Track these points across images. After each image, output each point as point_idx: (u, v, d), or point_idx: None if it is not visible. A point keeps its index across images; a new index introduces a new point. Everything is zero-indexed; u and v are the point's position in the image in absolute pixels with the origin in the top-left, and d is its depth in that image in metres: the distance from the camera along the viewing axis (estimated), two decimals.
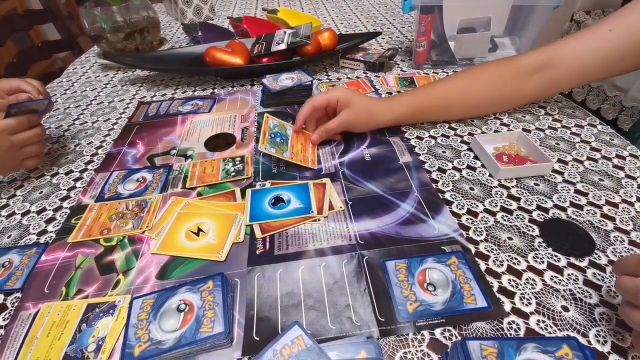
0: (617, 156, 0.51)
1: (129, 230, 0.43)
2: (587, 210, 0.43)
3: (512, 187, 0.47)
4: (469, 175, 0.49)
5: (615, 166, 0.49)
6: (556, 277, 0.36)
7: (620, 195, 0.45)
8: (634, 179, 0.47)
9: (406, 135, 0.58)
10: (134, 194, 0.49)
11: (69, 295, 0.37)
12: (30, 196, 0.51)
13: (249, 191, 0.48)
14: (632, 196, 0.44)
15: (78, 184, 0.52)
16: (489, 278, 0.36)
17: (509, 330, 0.32)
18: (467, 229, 0.41)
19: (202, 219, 0.44)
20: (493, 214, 0.43)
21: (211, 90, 0.76)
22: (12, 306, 0.37)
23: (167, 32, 1.13)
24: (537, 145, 0.50)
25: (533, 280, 0.36)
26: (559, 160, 0.51)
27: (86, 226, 0.44)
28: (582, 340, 0.31)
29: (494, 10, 0.74)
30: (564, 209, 0.43)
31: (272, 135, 0.51)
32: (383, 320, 0.33)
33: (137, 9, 0.85)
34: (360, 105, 0.53)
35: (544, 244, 0.39)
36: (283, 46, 0.74)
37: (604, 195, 0.45)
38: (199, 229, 0.43)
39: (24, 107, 0.50)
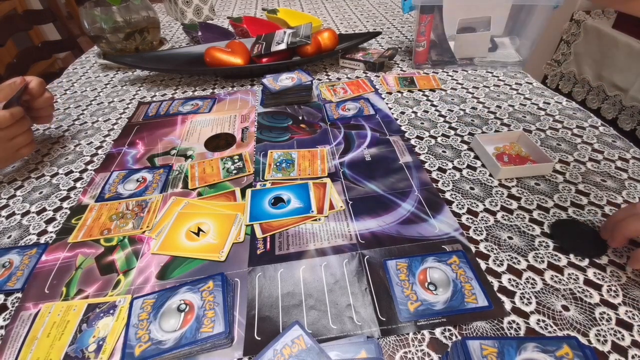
0: (620, 158, 0.51)
1: (129, 231, 0.43)
2: (588, 210, 0.43)
3: (513, 187, 0.47)
4: (469, 175, 0.49)
5: (617, 168, 0.49)
6: (556, 276, 0.36)
7: (622, 197, 0.45)
8: (638, 181, 0.47)
9: (406, 135, 0.58)
10: (134, 194, 0.49)
11: (69, 295, 0.37)
12: (30, 196, 0.51)
13: (249, 191, 0.48)
14: (634, 197, 0.44)
15: (78, 184, 0.52)
16: (489, 277, 0.36)
17: (509, 330, 0.32)
18: (467, 228, 0.41)
19: (202, 219, 0.44)
20: (493, 213, 0.43)
21: (211, 90, 0.76)
22: (12, 306, 0.37)
23: (167, 32, 1.13)
24: (538, 145, 0.50)
25: (533, 279, 0.36)
26: (560, 161, 0.51)
27: (86, 226, 0.44)
28: (583, 340, 0.31)
29: (494, 10, 0.74)
30: (564, 209, 0.43)
31: (277, 164, 0.53)
32: (384, 319, 0.33)
33: (137, 9, 0.85)
34: None
35: (551, 244, 0.39)
36: (283, 46, 0.74)
37: (606, 196, 0.45)
38: (199, 229, 0.43)
39: (12, 101, 0.51)
